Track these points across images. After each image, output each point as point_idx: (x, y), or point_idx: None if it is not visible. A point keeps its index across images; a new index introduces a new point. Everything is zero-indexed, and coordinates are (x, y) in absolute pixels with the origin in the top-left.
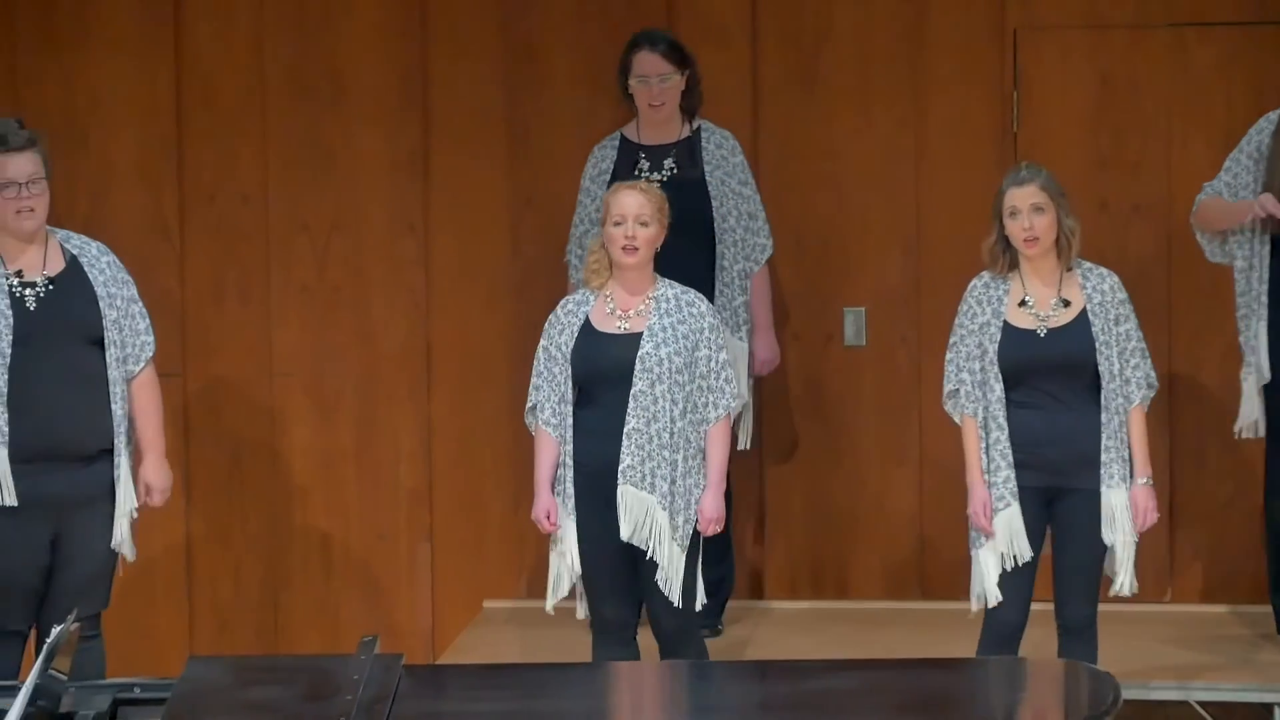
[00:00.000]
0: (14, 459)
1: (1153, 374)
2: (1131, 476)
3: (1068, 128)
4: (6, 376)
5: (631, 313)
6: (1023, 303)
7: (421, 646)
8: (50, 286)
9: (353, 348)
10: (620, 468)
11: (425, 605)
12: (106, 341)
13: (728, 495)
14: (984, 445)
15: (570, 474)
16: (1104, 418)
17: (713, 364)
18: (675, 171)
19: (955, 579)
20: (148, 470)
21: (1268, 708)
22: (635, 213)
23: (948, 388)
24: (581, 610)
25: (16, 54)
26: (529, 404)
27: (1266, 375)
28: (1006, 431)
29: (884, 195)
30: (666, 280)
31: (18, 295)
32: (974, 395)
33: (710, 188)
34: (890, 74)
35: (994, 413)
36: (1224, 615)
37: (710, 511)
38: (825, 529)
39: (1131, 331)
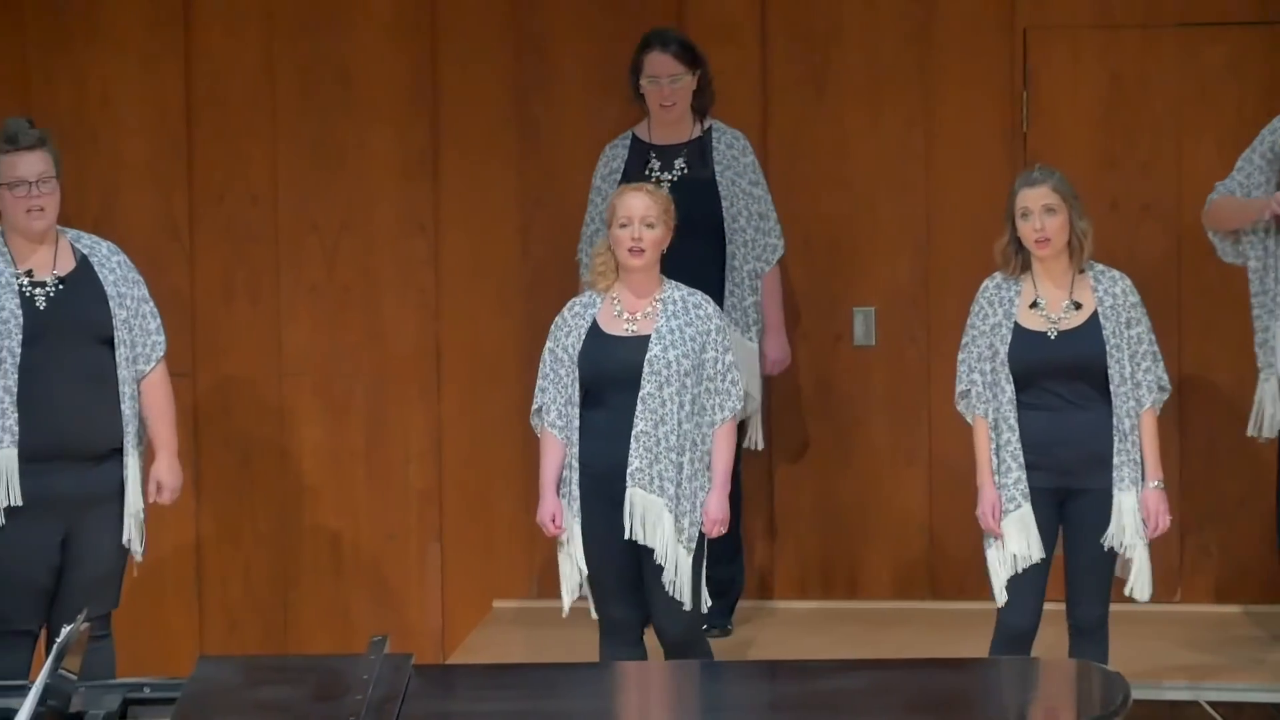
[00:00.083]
0: (24, 458)
1: (1165, 377)
2: (1143, 480)
3: (1078, 127)
4: (17, 376)
5: (639, 315)
6: (1034, 304)
7: (431, 646)
8: (60, 286)
9: (363, 348)
10: (629, 470)
11: (435, 605)
12: (116, 341)
13: (736, 496)
14: (994, 446)
15: (576, 476)
16: (1115, 420)
17: (719, 366)
18: (686, 171)
19: (965, 579)
20: (159, 469)
21: (1278, 708)
22: (641, 214)
23: (959, 388)
24: (595, 610)
25: (27, 54)
26: (535, 406)
27: None
28: (1017, 433)
29: (893, 195)
30: (673, 282)
31: (28, 295)
32: (985, 396)
33: (720, 188)
34: (900, 74)
35: (1005, 414)
36: (1235, 615)
37: (715, 513)
38: (835, 529)
39: (1143, 334)
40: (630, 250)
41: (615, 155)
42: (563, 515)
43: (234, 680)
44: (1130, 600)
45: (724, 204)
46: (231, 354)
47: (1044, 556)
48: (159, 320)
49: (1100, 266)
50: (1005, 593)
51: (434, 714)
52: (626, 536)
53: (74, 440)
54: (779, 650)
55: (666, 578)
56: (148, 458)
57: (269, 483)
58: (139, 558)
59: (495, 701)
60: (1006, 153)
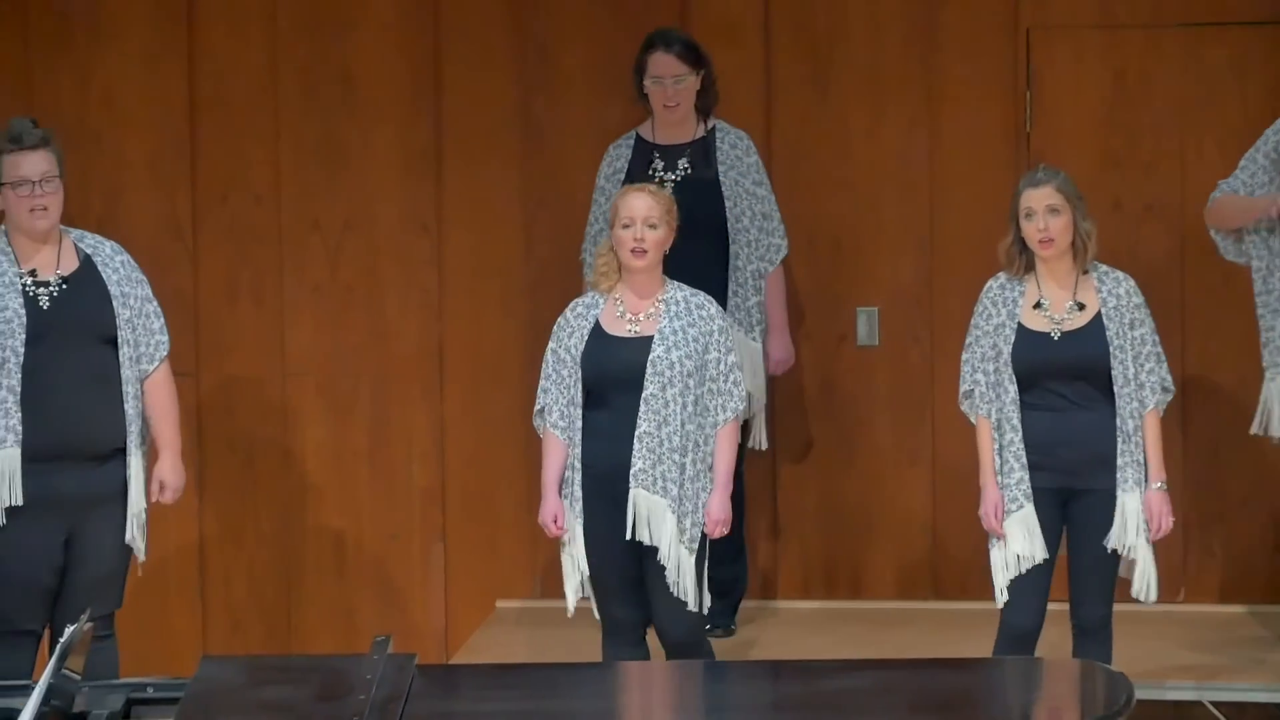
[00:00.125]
0: (27, 458)
1: (1168, 378)
2: (1146, 481)
3: (1081, 127)
4: (20, 376)
5: (641, 316)
6: (1038, 305)
7: (434, 646)
8: (64, 286)
9: (366, 347)
10: (632, 471)
11: (438, 605)
12: (120, 341)
13: (740, 496)
14: (998, 446)
15: (579, 476)
16: (1118, 422)
17: (722, 366)
18: (689, 171)
19: (968, 579)
20: (162, 468)
21: None
22: (644, 215)
23: (963, 388)
24: (597, 610)
25: (30, 54)
26: (537, 406)
27: None
28: (1020, 433)
29: (897, 195)
30: (675, 283)
31: (31, 294)
32: (988, 396)
33: (724, 188)
34: (903, 74)
35: (1008, 414)
36: (1239, 615)
37: (717, 513)
38: (838, 529)
39: (1147, 336)
40: (633, 251)
41: (619, 155)
42: (564, 516)
43: (237, 680)
44: (1134, 600)
45: (727, 204)
46: (235, 354)
47: (1047, 557)
48: (162, 320)
49: (1104, 267)
50: (1006, 593)
51: (437, 714)
52: (628, 537)
53: (77, 440)
54: (782, 650)
55: (669, 578)
56: (151, 458)
57: (272, 482)
58: (142, 557)
59: (498, 701)
60: (1010, 153)
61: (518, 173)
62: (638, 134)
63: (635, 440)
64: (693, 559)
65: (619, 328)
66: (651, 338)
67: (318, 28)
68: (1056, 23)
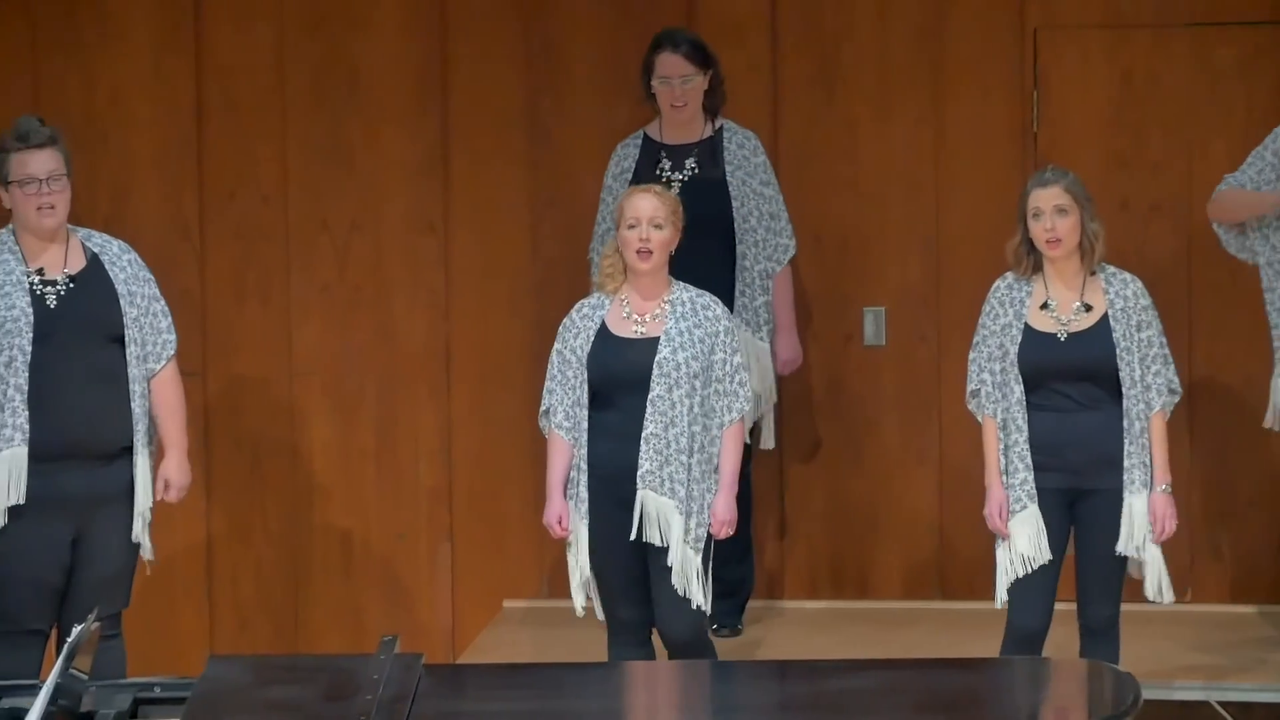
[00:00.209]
0: (35, 457)
1: (1175, 380)
2: (1151, 484)
3: (1088, 127)
4: (27, 374)
5: (647, 317)
6: (1044, 305)
7: (441, 646)
8: (71, 285)
9: (373, 347)
10: (639, 473)
11: (445, 604)
12: (127, 340)
13: (746, 496)
14: (1003, 446)
15: (584, 477)
16: (1125, 423)
17: (728, 367)
18: (697, 171)
19: (975, 579)
20: (168, 467)
21: None
22: (649, 215)
23: (969, 387)
24: (600, 609)
25: (37, 53)
26: (542, 407)
27: None
28: (1025, 434)
29: (904, 195)
30: (681, 283)
31: (39, 293)
32: (994, 396)
33: (731, 188)
34: (910, 74)
35: (1013, 414)
36: (1246, 615)
37: (722, 514)
38: (845, 529)
39: (1153, 338)
40: (638, 252)
41: (626, 155)
42: (569, 517)
43: (244, 680)
44: (1141, 600)
45: (735, 204)
46: (242, 353)
47: (1051, 558)
48: (170, 319)
49: (1112, 269)
50: (1006, 594)
51: (444, 714)
52: (632, 537)
53: (84, 439)
54: (789, 650)
55: (674, 579)
56: (158, 457)
57: (279, 482)
58: (149, 556)
59: (505, 701)
60: (1017, 153)
61: (525, 173)
62: (645, 134)
63: (642, 442)
64: (698, 559)
65: (625, 329)
66: (657, 339)
67: (325, 27)
68: (1063, 23)
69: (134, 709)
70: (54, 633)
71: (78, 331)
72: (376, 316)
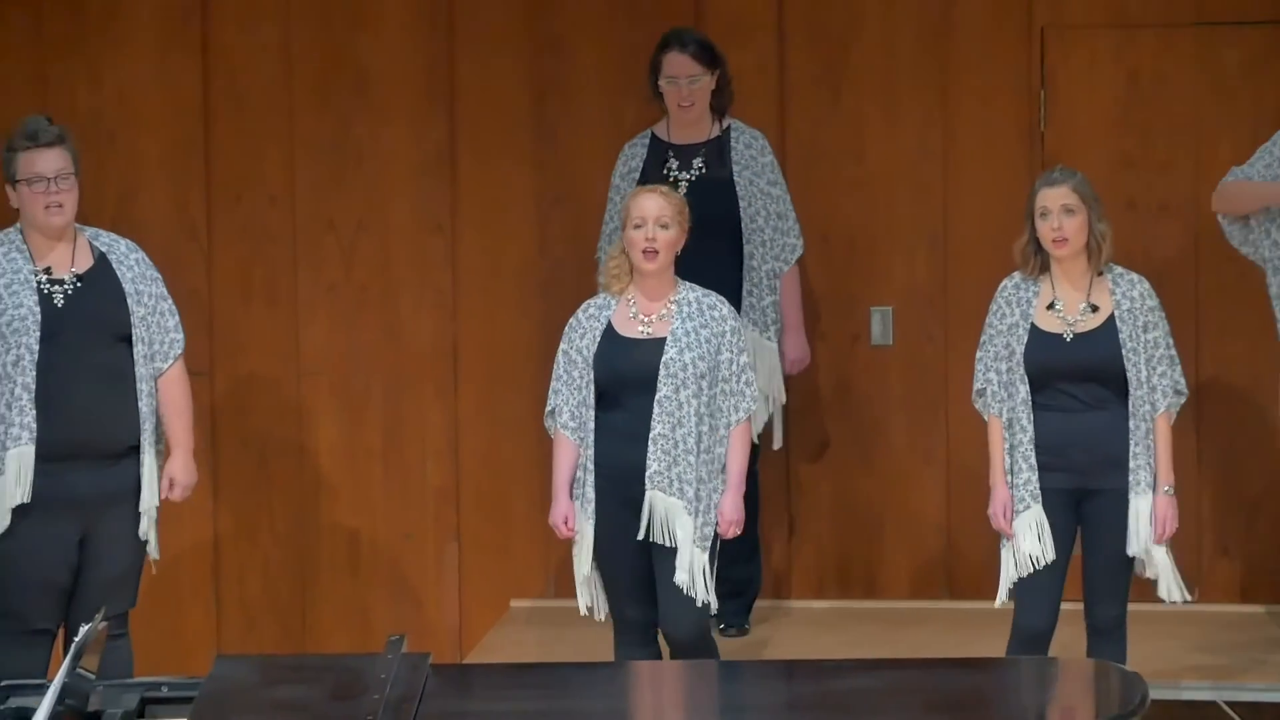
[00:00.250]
0: (42, 457)
1: (1181, 382)
2: (1156, 484)
3: (1095, 127)
4: (35, 374)
5: (654, 317)
6: (1051, 305)
7: (448, 645)
8: (79, 284)
9: (380, 347)
10: (647, 473)
11: (452, 604)
12: (134, 339)
13: (754, 496)
14: (1008, 446)
15: (591, 478)
16: (1131, 424)
17: (734, 367)
18: (704, 171)
19: (982, 578)
20: (174, 466)
21: None
22: (655, 215)
23: (976, 386)
24: (601, 610)
25: (44, 53)
26: (548, 407)
27: None
28: (1029, 434)
29: (911, 194)
30: (687, 283)
31: (46, 292)
32: (1000, 396)
33: (738, 188)
34: (917, 73)
35: (1018, 414)
36: (1253, 615)
37: (730, 514)
38: (852, 528)
39: (1159, 339)
40: (644, 252)
41: (634, 154)
42: (575, 517)
43: (251, 679)
44: (1147, 600)
45: (742, 204)
46: (249, 353)
47: (1055, 558)
48: (177, 318)
49: (1119, 269)
50: (1007, 595)
51: (451, 713)
52: (640, 537)
53: (91, 438)
54: (796, 650)
55: (681, 579)
56: (165, 456)
57: (286, 482)
58: (155, 555)
59: (512, 701)
60: (1024, 152)
61: (532, 172)
62: (653, 133)
63: (650, 442)
64: (705, 559)
65: (631, 329)
66: (664, 339)
67: (332, 27)
68: (1071, 22)
69: (141, 709)
70: (61, 632)
71: (85, 331)
72: (383, 316)
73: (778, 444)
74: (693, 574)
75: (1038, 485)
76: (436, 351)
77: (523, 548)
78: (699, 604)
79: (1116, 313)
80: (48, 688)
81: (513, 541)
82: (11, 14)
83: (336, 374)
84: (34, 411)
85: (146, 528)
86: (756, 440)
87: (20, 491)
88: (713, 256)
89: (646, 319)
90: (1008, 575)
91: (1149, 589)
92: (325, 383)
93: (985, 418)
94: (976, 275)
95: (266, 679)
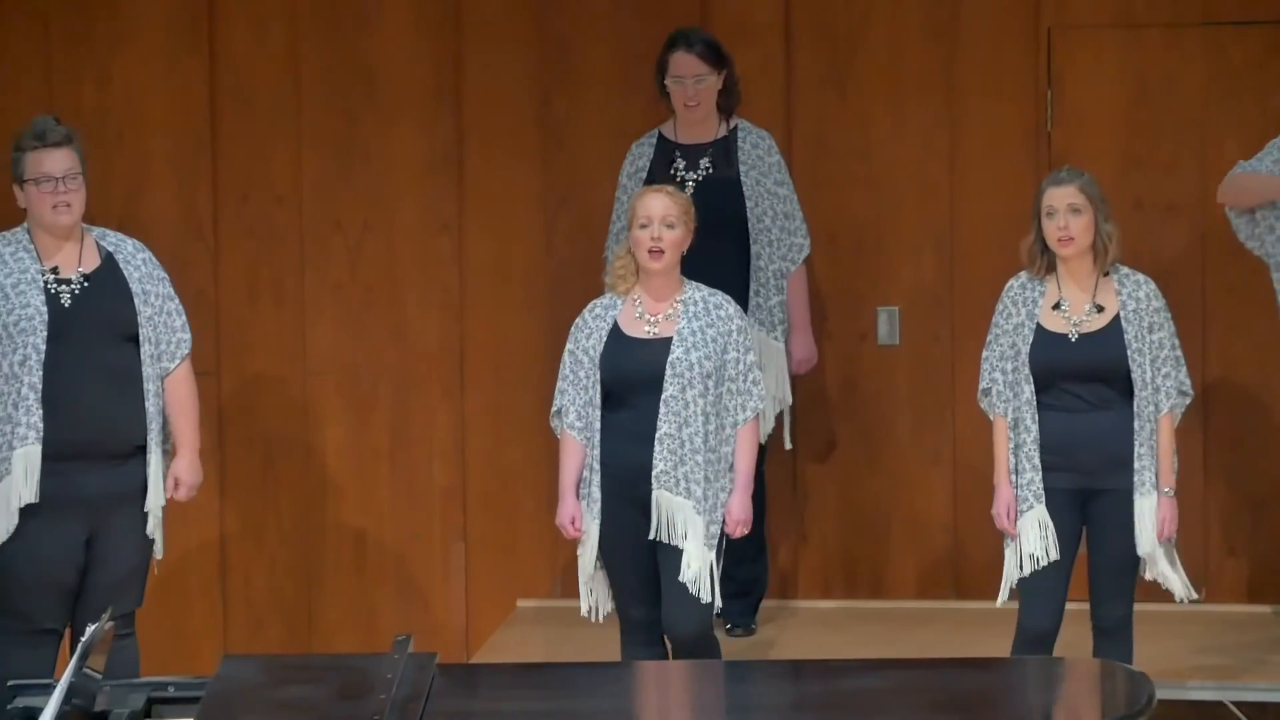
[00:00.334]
0: (49, 456)
1: (1186, 382)
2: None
3: (1101, 127)
4: (41, 373)
5: (660, 317)
6: (1057, 306)
7: (455, 645)
8: (85, 283)
9: (386, 347)
10: (654, 473)
11: (459, 604)
12: (141, 338)
13: (760, 495)
14: (1013, 445)
15: (597, 477)
16: (1136, 425)
17: (741, 366)
18: (711, 171)
19: (989, 578)
20: (180, 465)
21: None
22: (661, 215)
23: (981, 385)
24: (600, 611)
25: (51, 54)
26: (554, 408)
27: None
28: (1033, 434)
29: (918, 194)
30: (693, 283)
31: (53, 292)
32: (1005, 395)
33: (745, 188)
34: (924, 73)
35: (1023, 414)
36: (1260, 615)
37: (738, 513)
38: (859, 528)
39: (1165, 339)
40: (650, 251)
41: (641, 154)
42: (582, 518)
43: (258, 679)
44: (1153, 600)
45: (749, 204)
46: (256, 353)
47: (1060, 558)
48: (184, 317)
49: (1126, 270)
50: (1009, 594)
51: (458, 713)
52: (652, 537)
53: (98, 438)
54: (802, 650)
55: (687, 578)
56: (172, 456)
57: (293, 482)
58: (158, 554)
59: (518, 701)
60: (1030, 152)
61: (539, 172)
62: (660, 133)
63: (656, 442)
64: (711, 558)
65: (637, 329)
66: (670, 339)
67: (339, 27)
68: (1077, 22)
69: (148, 708)
70: (68, 632)
71: (92, 330)
72: (390, 316)
73: (789, 444)
74: (699, 573)
75: (1041, 485)
76: (443, 351)
77: (529, 548)
78: (703, 603)
79: (1122, 313)
80: (54, 687)
81: (519, 541)
82: (19, 14)
83: (343, 374)
84: (40, 411)
85: (153, 528)
86: (763, 442)
87: (28, 491)
88: (720, 256)
89: (653, 319)
90: (1010, 575)
91: (1155, 589)
92: (332, 383)
93: (990, 417)
94: (983, 275)
95: (273, 679)
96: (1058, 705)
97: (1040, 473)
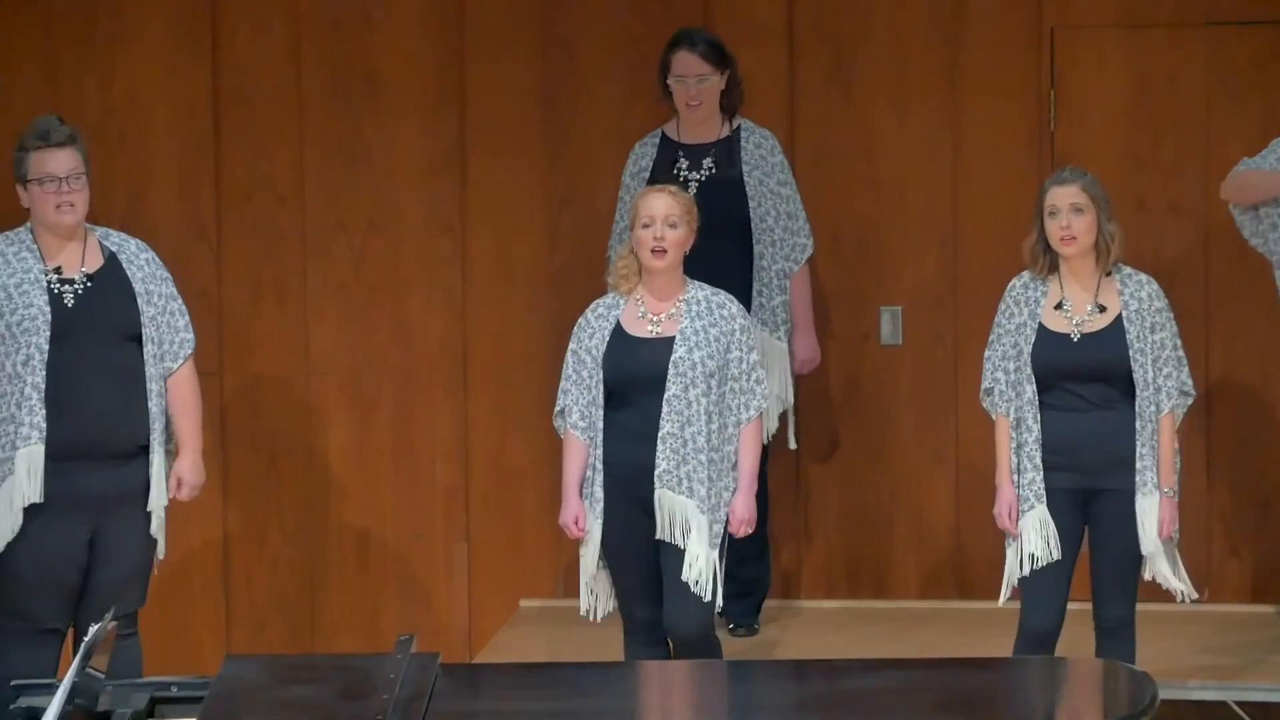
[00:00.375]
0: (52, 456)
1: (1188, 383)
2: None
3: (1105, 127)
4: (45, 373)
5: (663, 316)
6: (1059, 305)
7: (458, 645)
8: (89, 283)
9: (389, 347)
10: (657, 472)
11: (462, 604)
12: (144, 338)
13: (763, 495)
14: (1015, 445)
15: (600, 477)
16: (1138, 425)
17: (744, 365)
18: (714, 171)
19: (992, 578)
20: (182, 465)
21: None
22: (664, 215)
23: (984, 385)
24: (599, 611)
25: (55, 54)
26: (557, 407)
27: None
28: (1035, 434)
29: (921, 194)
30: (696, 282)
31: (56, 292)
32: (1008, 395)
33: (748, 188)
34: (927, 73)
35: (1024, 414)
36: (1262, 615)
37: (742, 513)
38: (862, 528)
39: (1167, 340)
40: (653, 251)
41: (644, 154)
42: (585, 518)
43: (261, 679)
44: (1156, 600)
45: (752, 204)
46: (259, 353)
47: (1062, 558)
48: (187, 318)
49: (1128, 270)
50: (1012, 594)
51: (461, 713)
52: (658, 536)
53: (101, 438)
54: (805, 649)
55: (690, 577)
56: (175, 456)
57: (296, 481)
58: (161, 554)
59: (522, 701)
60: (1034, 152)
61: (542, 172)
62: (663, 133)
63: (659, 441)
64: (714, 557)
65: (640, 328)
66: (673, 338)
67: (341, 27)
68: (1080, 22)
69: (151, 708)
70: (71, 632)
71: (95, 330)
72: (393, 316)
73: (794, 444)
74: (701, 573)
75: (1042, 485)
76: (446, 351)
77: (532, 547)
78: (705, 603)
79: (1124, 313)
80: (57, 687)
81: (522, 541)
82: (22, 14)
83: (346, 374)
84: (44, 411)
85: (156, 528)
86: (766, 442)
87: (32, 491)
88: (723, 256)
89: (655, 318)
90: (1011, 574)
91: (1157, 589)
92: (335, 382)
93: (993, 417)
94: (986, 275)
95: (276, 679)
96: (1060, 705)
97: (1042, 472)
